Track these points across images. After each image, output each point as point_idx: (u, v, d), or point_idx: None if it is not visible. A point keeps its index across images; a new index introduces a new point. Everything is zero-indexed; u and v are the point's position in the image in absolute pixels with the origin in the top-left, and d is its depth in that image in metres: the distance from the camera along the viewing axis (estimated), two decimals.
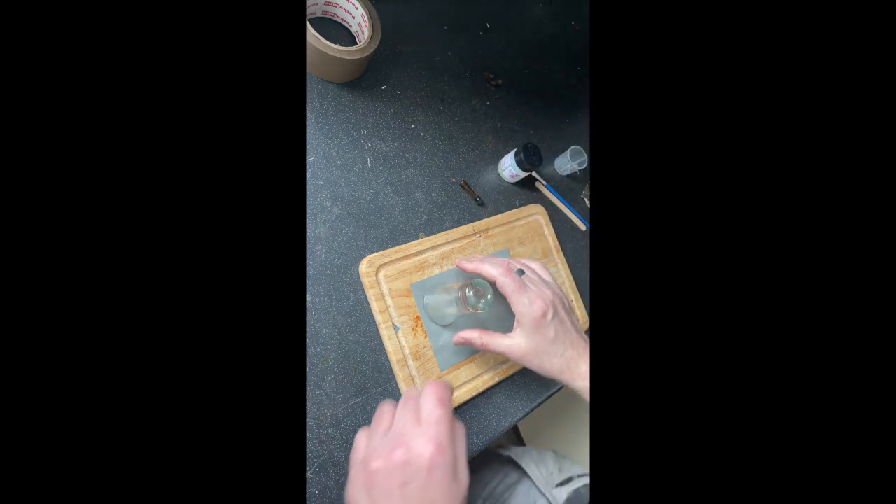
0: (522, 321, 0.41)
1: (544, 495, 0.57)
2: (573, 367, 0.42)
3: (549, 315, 0.41)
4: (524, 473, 0.61)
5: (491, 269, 0.42)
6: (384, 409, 0.34)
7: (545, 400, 0.55)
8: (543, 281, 0.45)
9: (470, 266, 0.45)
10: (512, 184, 0.62)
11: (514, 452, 0.63)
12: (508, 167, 0.60)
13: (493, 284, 0.43)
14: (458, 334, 0.45)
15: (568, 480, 0.57)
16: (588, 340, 0.44)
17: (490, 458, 0.66)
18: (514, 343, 0.42)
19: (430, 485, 0.29)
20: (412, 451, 0.29)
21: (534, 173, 0.62)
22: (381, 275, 0.47)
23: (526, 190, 0.63)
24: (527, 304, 0.41)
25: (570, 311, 0.45)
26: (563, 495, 0.55)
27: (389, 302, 0.47)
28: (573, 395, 0.43)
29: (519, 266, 0.45)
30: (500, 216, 0.57)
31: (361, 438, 0.34)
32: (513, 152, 0.59)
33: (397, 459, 0.29)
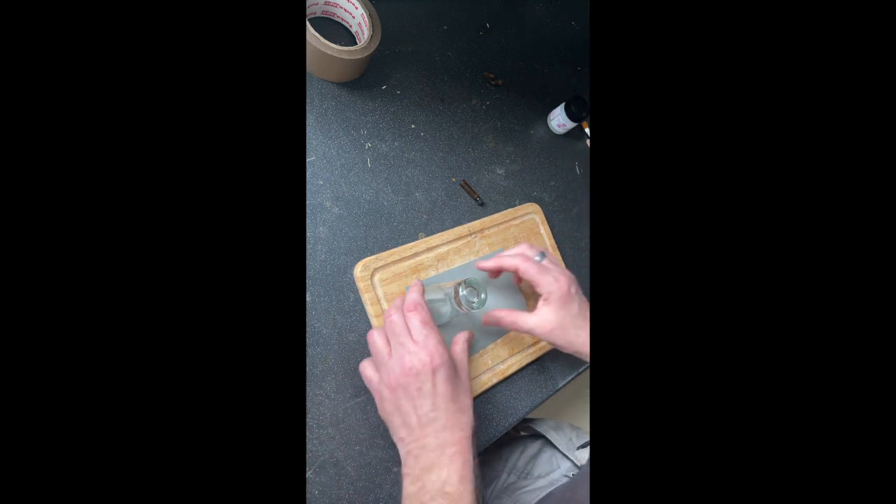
0: (550, 298, 0.44)
1: (567, 458, 0.59)
2: None
3: (573, 290, 0.45)
4: (544, 443, 0.64)
5: (511, 261, 0.46)
6: (377, 341, 0.41)
7: (545, 400, 0.55)
8: (556, 265, 0.48)
9: (490, 264, 0.47)
10: (560, 135, 0.69)
11: (533, 423, 0.66)
12: (557, 116, 0.65)
13: (515, 273, 0.46)
14: (487, 314, 0.48)
15: (588, 444, 0.59)
16: None
17: (506, 437, 0.67)
18: (542, 319, 0.45)
19: (437, 382, 0.38)
20: (416, 364, 0.38)
21: (585, 128, 0.69)
22: (376, 278, 0.47)
23: (526, 189, 0.63)
24: (552, 281, 0.44)
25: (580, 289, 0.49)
26: (585, 456, 0.57)
27: (385, 306, 0.47)
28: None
29: (537, 251, 0.48)
30: (495, 216, 0.57)
31: (368, 368, 0.41)
32: (562, 105, 0.65)
33: (408, 373, 0.38)
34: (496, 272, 0.50)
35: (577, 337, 0.45)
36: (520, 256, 0.46)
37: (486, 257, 0.55)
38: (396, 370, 0.38)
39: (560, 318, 0.44)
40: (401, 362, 0.38)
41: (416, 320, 0.40)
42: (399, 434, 0.39)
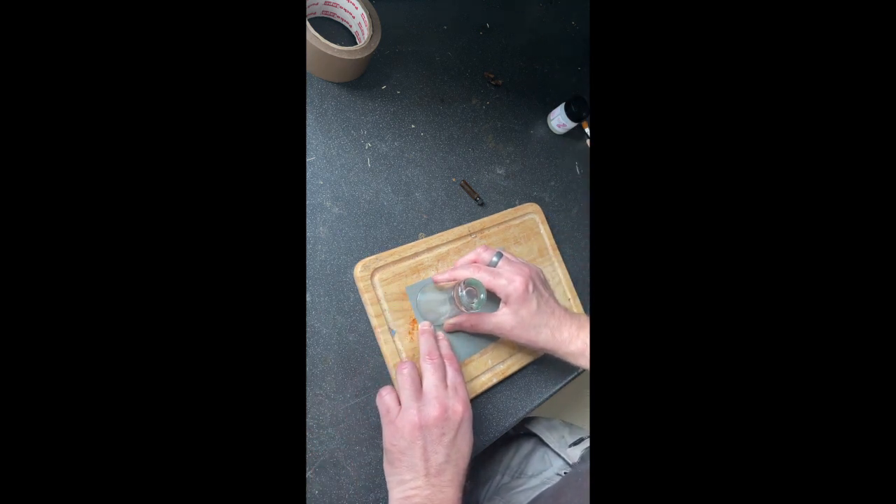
0: (508, 300, 0.45)
1: (560, 456, 0.59)
2: (557, 335, 0.46)
3: (530, 288, 0.45)
4: (537, 442, 0.64)
5: (464, 272, 0.46)
6: (407, 373, 0.42)
7: (545, 400, 0.55)
8: (519, 261, 0.49)
9: (445, 277, 0.48)
10: (560, 135, 0.68)
11: (527, 422, 0.66)
12: (557, 116, 0.65)
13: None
14: (448, 321, 0.48)
15: (580, 440, 0.60)
16: (565, 309, 0.48)
17: (500, 437, 0.67)
18: (502, 319, 0.46)
19: (459, 434, 0.39)
20: (449, 411, 0.39)
21: (585, 128, 0.68)
22: (376, 278, 0.47)
23: (526, 189, 0.63)
24: (506, 284, 0.45)
25: (546, 283, 0.49)
26: (577, 453, 0.58)
27: (385, 306, 0.47)
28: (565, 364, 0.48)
29: (493, 253, 0.48)
30: (495, 216, 0.57)
31: (389, 398, 0.41)
32: (562, 105, 0.65)
33: (440, 416, 0.39)
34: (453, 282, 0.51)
35: (539, 335, 0.46)
36: (472, 266, 0.46)
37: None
38: (428, 410, 0.39)
39: (519, 317, 0.45)
40: (433, 403, 0.39)
41: (451, 367, 0.42)
42: (402, 475, 0.39)
